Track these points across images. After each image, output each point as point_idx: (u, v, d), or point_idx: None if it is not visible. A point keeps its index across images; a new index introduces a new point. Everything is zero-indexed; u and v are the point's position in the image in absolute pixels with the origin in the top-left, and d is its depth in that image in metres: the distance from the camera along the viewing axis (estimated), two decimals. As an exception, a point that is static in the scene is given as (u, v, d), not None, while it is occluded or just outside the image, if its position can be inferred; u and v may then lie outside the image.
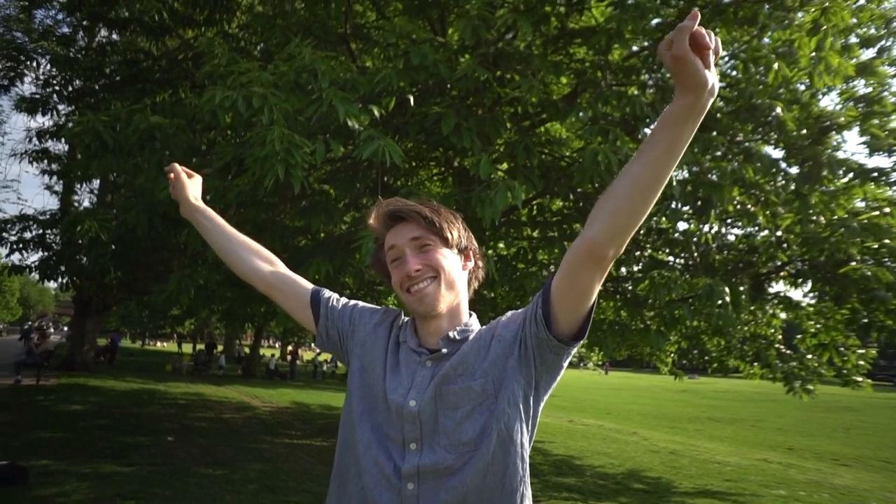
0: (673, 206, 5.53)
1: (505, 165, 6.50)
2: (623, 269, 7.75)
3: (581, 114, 5.67)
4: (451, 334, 1.39)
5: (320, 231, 8.26)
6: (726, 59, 7.95)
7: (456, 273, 1.41)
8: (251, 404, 15.73)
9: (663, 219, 6.54)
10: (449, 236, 1.41)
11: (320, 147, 4.49)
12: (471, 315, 1.47)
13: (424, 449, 1.30)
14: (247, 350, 32.54)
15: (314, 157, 4.41)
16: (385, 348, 1.44)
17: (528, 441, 1.33)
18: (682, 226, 7.96)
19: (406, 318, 1.51)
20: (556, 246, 6.71)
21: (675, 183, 4.87)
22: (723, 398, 31.50)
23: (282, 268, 1.64)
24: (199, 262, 8.71)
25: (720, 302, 5.68)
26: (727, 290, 5.68)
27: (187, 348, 39.25)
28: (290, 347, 39.20)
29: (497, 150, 6.17)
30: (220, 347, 31.55)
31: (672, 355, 12.69)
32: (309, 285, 1.62)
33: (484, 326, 1.44)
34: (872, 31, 7.92)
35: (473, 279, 1.50)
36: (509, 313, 1.43)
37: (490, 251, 6.36)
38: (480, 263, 1.52)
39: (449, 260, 1.40)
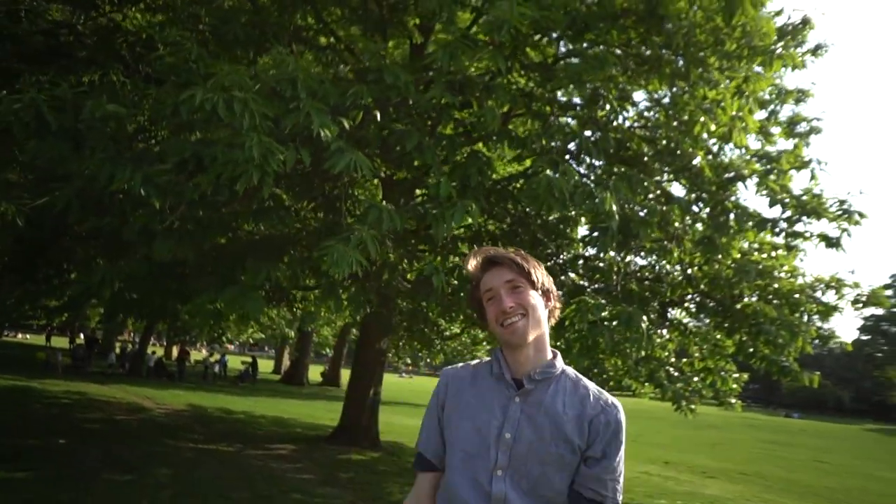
0: (605, 239, 6.03)
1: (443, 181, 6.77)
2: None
3: (534, 145, 6.06)
4: (534, 374, 1.61)
5: (248, 230, 8.13)
6: (647, 103, 8.75)
7: (541, 311, 1.65)
8: (143, 406, 14.85)
9: (592, 249, 7.06)
10: (535, 280, 1.65)
11: (291, 155, 4.54)
12: (554, 355, 1.69)
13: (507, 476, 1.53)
14: (130, 346, 30.46)
15: (286, 165, 4.46)
16: (474, 398, 1.64)
17: None
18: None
19: (481, 360, 1.74)
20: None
21: (616, 217, 5.37)
22: (605, 414, 33.39)
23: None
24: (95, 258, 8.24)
25: (636, 328, 6.25)
26: (644, 317, 6.27)
27: (59, 342, 36.01)
28: (175, 347, 37.06)
29: (446, 168, 6.44)
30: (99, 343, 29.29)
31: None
32: (424, 471, 1.72)
33: (577, 382, 1.65)
34: (766, 96, 9.04)
35: (552, 316, 1.73)
36: (603, 417, 1.59)
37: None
38: (558, 304, 1.75)
39: (536, 300, 1.64)
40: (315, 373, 36.73)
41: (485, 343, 19.89)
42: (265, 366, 40.80)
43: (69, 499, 5.86)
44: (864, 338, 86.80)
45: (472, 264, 1.69)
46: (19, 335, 50.69)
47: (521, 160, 9.31)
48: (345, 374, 35.79)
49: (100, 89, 6.62)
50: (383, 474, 9.34)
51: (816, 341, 8.36)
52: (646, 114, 8.94)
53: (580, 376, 1.68)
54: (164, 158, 5.17)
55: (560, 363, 1.67)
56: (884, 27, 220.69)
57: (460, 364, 1.78)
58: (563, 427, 1.55)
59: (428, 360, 26.88)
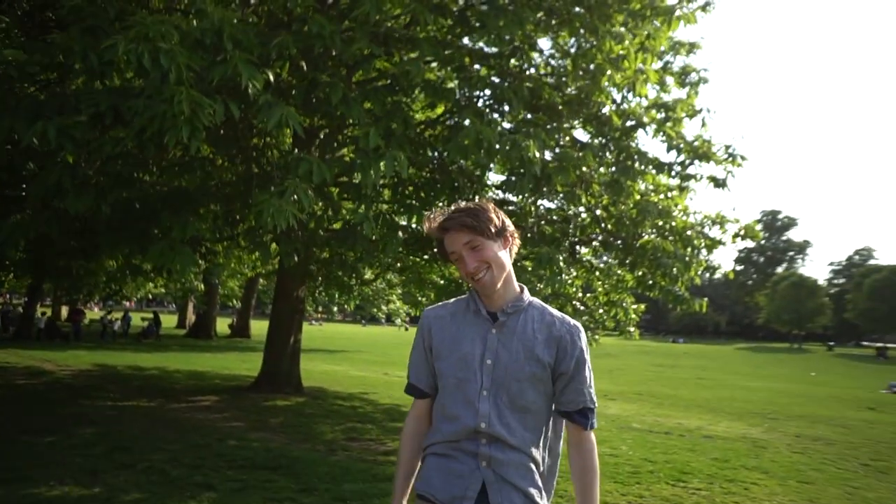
0: (521, 183, 6.38)
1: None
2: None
3: (457, 96, 6.23)
4: (506, 308, 1.87)
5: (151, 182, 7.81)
6: (556, 53, 9.11)
7: (502, 256, 1.85)
8: (44, 369, 14.08)
9: (505, 194, 7.44)
10: (490, 232, 1.84)
11: (220, 108, 4.48)
12: (522, 289, 1.92)
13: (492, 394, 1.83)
14: (13, 308, 28.25)
15: (215, 118, 4.41)
16: (456, 332, 1.90)
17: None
18: (512, 198, 9.07)
19: (458, 299, 2.00)
20: (415, 212, 7.28)
21: (538, 163, 5.72)
22: (512, 349, 35.24)
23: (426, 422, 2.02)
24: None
25: (555, 266, 6.78)
26: (560, 257, 6.80)
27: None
28: (64, 307, 34.77)
29: (369, 119, 6.50)
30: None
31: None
32: (419, 398, 2.01)
33: (543, 310, 1.91)
34: (662, 48, 9.67)
35: (512, 249, 1.93)
36: (568, 336, 1.88)
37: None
38: (516, 238, 1.97)
39: (494, 250, 1.83)
40: (222, 325, 35.88)
41: (397, 288, 20.26)
42: (167, 321, 39.31)
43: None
44: (738, 268, 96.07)
45: (431, 228, 1.89)
46: None
47: (434, 107, 9.46)
48: (254, 325, 35.31)
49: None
50: (311, 417, 9.61)
51: (705, 272, 9.38)
52: (552, 62, 9.32)
53: (545, 305, 1.95)
54: (66, 108, 4.85)
55: (527, 296, 1.93)
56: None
57: (438, 304, 2.03)
58: (534, 349, 1.83)
59: (343, 307, 26.96)
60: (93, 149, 4.84)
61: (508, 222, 1.94)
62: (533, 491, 1.82)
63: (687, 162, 8.53)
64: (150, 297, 48.44)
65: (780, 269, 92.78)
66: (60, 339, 23.58)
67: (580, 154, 6.71)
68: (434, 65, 8.51)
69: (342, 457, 6.92)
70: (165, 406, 9.84)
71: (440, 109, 9.39)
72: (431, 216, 1.90)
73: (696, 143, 8.37)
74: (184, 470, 5.79)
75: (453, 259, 1.88)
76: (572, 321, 1.92)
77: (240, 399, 11.06)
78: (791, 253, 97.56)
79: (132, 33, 4.07)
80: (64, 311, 36.19)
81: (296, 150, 8.66)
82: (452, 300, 2.03)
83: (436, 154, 8.22)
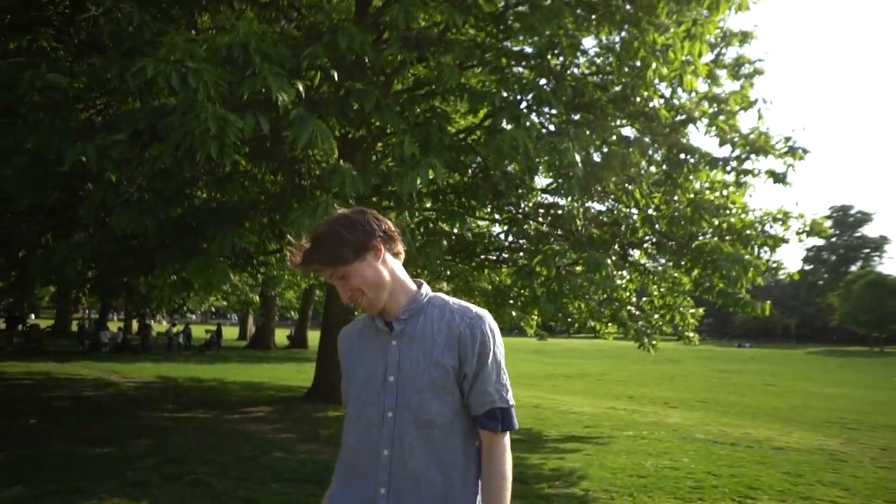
0: (569, 185, 6.16)
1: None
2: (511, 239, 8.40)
3: (493, 99, 6.08)
4: (400, 315, 1.69)
5: (204, 198, 7.96)
6: (598, 50, 8.82)
7: (375, 274, 1.66)
8: (110, 380, 14.68)
9: (553, 198, 7.21)
10: (350, 257, 1.64)
11: (249, 123, 4.47)
12: (419, 286, 1.74)
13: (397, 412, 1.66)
14: (88, 323, 29.73)
15: (244, 133, 4.40)
16: (361, 350, 1.76)
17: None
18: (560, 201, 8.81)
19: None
20: (458, 218, 7.16)
21: (580, 165, 5.49)
22: (570, 356, 34.61)
23: None
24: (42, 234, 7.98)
25: (603, 270, 6.50)
26: (609, 260, 6.51)
27: None
28: (135, 321, 36.43)
29: (405, 126, 6.42)
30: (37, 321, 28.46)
31: (537, 318, 13.87)
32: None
33: (443, 306, 1.70)
34: (712, 39, 9.21)
35: (393, 255, 1.72)
36: (467, 331, 1.66)
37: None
38: (393, 237, 1.72)
39: (363, 271, 1.65)
40: (281, 336, 36.74)
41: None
42: (230, 333, 40.59)
43: (50, 476, 5.86)
44: (807, 267, 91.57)
45: (296, 263, 1.71)
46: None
47: (476, 112, 9.31)
48: (312, 336, 36.01)
49: (32, 57, 6.29)
50: (361, 429, 9.57)
51: (767, 274, 8.83)
52: (596, 60, 9.03)
53: (447, 299, 1.73)
54: (112, 129, 4.97)
55: (426, 293, 1.73)
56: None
57: (353, 321, 1.87)
58: (433, 352, 1.64)
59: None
60: (133, 167, 4.93)
61: (371, 227, 1.69)
62: None
63: (743, 156, 8.07)
64: (214, 310, 50.24)
65: (854, 268, 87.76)
66: (129, 351, 24.65)
67: (626, 151, 6.42)
68: (478, 70, 8.40)
69: (388, 470, 6.81)
70: (220, 417, 10.02)
71: (482, 114, 9.25)
72: (295, 251, 1.69)
73: (751, 137, 7.90)
74: (230, 483, 5.81)
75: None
76: (475, 311, 1.70)
77: (292, 410, 11.16)
78: (866, 250, 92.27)
79: (160, 54, 4.11)
80: (135, 324, 37.99)
81: (341, 162, 8.74)
82: (365, 315, 1.83)
83: (478, 159, 8.07)
